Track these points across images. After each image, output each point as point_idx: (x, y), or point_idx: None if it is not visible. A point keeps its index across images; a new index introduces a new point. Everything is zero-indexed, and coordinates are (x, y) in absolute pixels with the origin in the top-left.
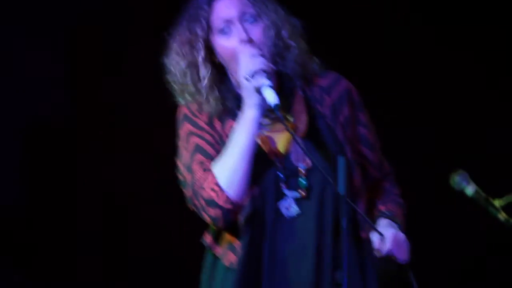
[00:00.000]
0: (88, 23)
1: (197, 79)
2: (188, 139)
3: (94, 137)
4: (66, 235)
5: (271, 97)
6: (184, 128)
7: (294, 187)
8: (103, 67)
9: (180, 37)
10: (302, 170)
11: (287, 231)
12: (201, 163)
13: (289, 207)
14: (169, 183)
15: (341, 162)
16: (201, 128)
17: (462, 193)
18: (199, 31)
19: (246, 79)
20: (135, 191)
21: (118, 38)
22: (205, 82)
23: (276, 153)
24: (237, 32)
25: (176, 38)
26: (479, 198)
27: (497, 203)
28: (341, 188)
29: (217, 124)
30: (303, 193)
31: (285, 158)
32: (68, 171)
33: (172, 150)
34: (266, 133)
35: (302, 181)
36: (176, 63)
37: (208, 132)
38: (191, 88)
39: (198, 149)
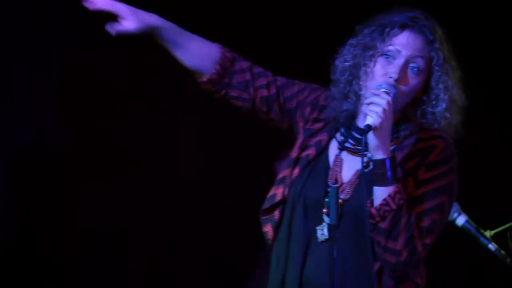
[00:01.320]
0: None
1: (350, 82)
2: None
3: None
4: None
5: (370, 118)
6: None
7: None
8: (98, 97)
9: (359, 38)
10: (341, 200)
11: (314, 252)
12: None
13: (323, 231)
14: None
15: (332, 192)
16: (308, 92)
17: (452, 223)
18: (378, 43)
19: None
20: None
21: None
22: (356, 89)
23: (337, 179)
24: (394, 66)
25: (356, 38)
26: (469, 228)
27: (487, 233)
28: (332, 218)
29: (322, 116)
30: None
31: (339, 187)
32: (62, 201)
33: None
34: (344, 155)
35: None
36: (344, 59)
37: (299, 90)
38: (340, 85)
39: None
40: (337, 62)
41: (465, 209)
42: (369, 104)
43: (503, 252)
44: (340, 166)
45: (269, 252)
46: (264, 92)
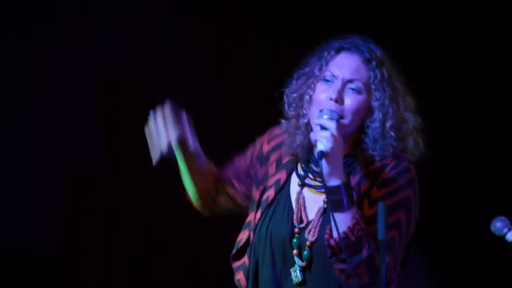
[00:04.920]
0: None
1: (299, 114)
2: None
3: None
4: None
5: (321, 144)
6: (251, 144)
7: (300, 256)
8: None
9: (301, 69)
10: (308, 242)
11: None
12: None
13: (296, 274)
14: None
15: (380, 207)
16: (252, 152)
17: (502, 239)
18: (316, 70)
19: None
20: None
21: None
22: (304, 120)
23: (302, 219)
24: (333, 88)
25: (300, 69)
26: None
27: None
28: (380, 233)
29: (273, 158)
30: (304, 264)
31: (304, 227)
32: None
33: None
34: (305, 191)
35: (306, 253)
36: (290, 92)
37: (251, 158)
38: (291, 119)
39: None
40: (284, 96)
41: None
42: (317, 130)
43: None
44: (303, 204)
45: None
46: (240, 198)
